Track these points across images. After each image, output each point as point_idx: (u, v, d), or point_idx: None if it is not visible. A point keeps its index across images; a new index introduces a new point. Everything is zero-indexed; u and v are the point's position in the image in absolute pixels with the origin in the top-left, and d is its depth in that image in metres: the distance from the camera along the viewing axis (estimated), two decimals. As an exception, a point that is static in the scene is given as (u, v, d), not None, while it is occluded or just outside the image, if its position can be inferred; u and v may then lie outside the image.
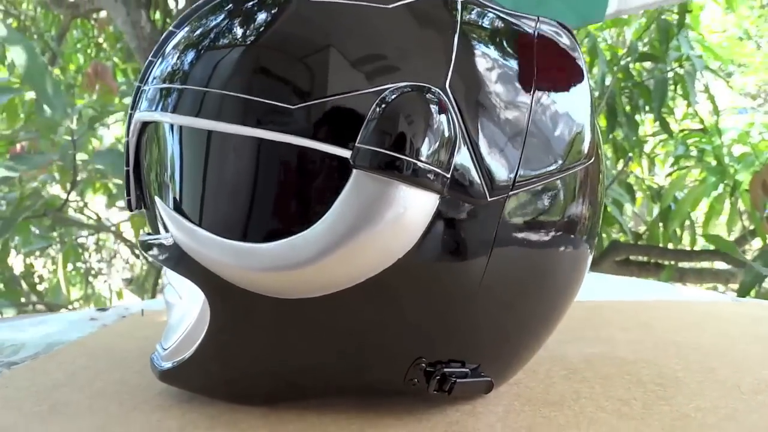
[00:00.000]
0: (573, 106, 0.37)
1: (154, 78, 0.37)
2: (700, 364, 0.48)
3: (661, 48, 2.18)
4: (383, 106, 0.31)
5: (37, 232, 2.20)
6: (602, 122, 2.31)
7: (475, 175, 0.33)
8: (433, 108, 0.32)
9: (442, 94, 0.32)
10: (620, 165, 2.40)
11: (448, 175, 0.32)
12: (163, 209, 0.36)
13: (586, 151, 0.38)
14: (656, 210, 2.48)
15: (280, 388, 0.39)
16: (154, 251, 0.38)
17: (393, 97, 0.32)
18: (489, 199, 0.34)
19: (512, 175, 0.34)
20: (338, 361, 0.36)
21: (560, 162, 0.36)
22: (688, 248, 2.32)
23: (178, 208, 0.35)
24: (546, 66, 0.36)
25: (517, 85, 0.35)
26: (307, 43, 0.34)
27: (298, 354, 0.36)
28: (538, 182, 0.35)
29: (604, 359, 0.49)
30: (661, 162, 2.75)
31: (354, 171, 0.31)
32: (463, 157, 0.33)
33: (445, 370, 0.36)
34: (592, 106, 0.39)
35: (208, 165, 0.34)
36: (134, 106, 0.38)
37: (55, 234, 2.32)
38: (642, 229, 2.56)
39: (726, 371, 0.46)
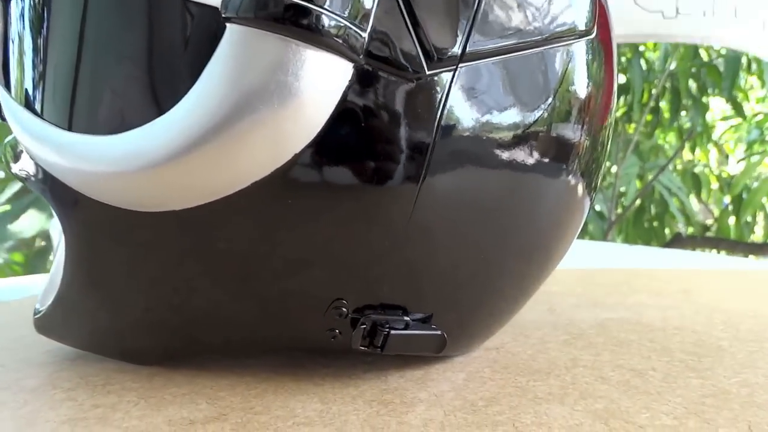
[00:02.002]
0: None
1: None
2: (756, 334, 0.36)
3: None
4: None
5: None
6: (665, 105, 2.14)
7: (405, 36, 0.23)
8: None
9: None
10: (685, 152, 2.22)
11: (365, 35, 0.22)
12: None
13: (583, 20, 0.27)
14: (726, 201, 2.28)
15: (173, 343, 0.30)
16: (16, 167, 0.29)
17: None
18: (427, 73, 0.24)
19: (462, 41, 0.24)
20: (235, 304, 0.27)
21: (540, 31, 0.26)
22: (761, 242, 2.12)
23: (7, 84, 0.27)
24: None
25: None
26: None
27: (178, 294, 0.27)
28: (500, 55, 0.25)
29: (624, 324, 0.38)
30: (731, 150, 2.54)
31: (227, 26, 0.22)
32: (389, 13, 0.23)
33: (375, 317, 0.26)
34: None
35: (27, 26, 0.26)
36: None
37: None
38: (709, 221, 2.36)
39: (790, 342, 0.34)
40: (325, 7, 0.21)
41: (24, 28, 0.27)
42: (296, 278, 0.26)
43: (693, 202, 2.29)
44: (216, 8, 0.22)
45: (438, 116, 0.24)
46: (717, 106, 2.38)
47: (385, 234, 0.25)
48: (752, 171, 2.15)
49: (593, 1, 0.29)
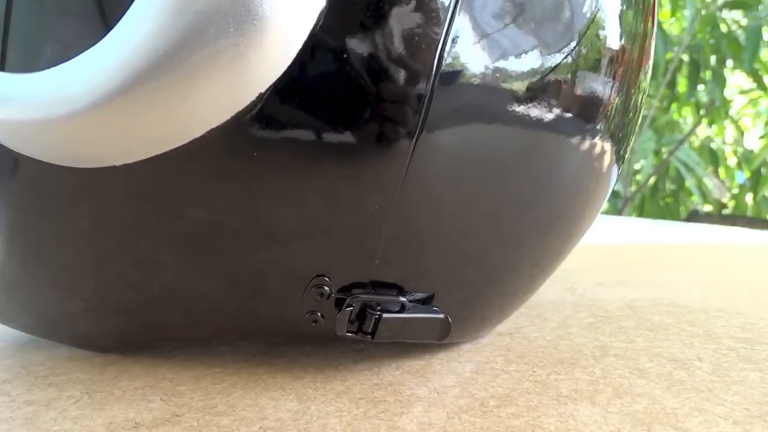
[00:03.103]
0: None
1: None
2: (811, 317, 0.31)
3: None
4: None
5: None
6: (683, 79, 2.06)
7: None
8: None
9: None
10: (702, 127, 2.15)
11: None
12: None
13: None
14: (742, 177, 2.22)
15: (131, 327, 0.25)
16: None
17: None
18: (422, -9, 0.19)
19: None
20: (199, 279, 0.22)
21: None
22: (780, 218, 2.06)
23: None
24: None
25: None
26: None
27: (134, 268, 0.23)
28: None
29: (656, 306, 0.33)
30: (746, 127, 2.46)
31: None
32: None
33: (364, 297, 0.22)
34: None
35: None
36: None
37: None
38: (725, 199, 2.29)
39: None
40: None
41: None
42: (267, 249, 0.21)
43: (707, 179, 2.23)
44: None
45: (438, 51, 0.19)
46: (735, 81, 2.30)
47: (375, 196, 0.20)
48: (773, 148, 2.09)
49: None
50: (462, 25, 0.19)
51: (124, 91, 0.18)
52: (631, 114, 0.25)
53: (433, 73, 0.19)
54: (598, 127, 0.23)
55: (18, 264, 0.24)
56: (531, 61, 0.21)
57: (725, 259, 0.46)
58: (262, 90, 0.18)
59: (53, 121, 0.19)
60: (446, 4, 0.19)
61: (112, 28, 0.18)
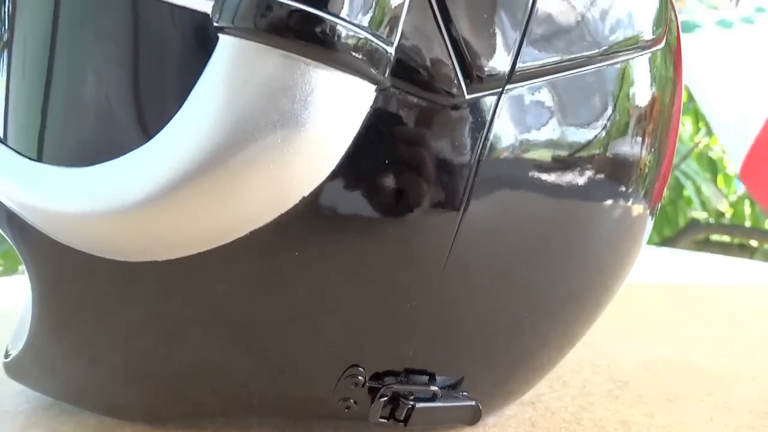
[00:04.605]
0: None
1: None
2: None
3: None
4: None
5: None
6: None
7: (442, 53, 0.19)
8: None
9: None
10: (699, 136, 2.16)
11: (392, 50, 0.18)
12: None
13: (651, 30, 0.23)
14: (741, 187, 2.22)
15: (161, 400, 0.26)
16: None
17: None
18: (467, 97, 0.19)
19: (509, 58, 0.20)
20: (229, 357, 0.23)
21: (599, 44, 0.21)
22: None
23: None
24: None
25: None
26: None
27: (164, 342, 0.23)
28: (556, 74, 0.20)
29: (673, 367, 0.33)
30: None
31: (220, 38, 0.17)
32: (421, 24, 0.19)
33: (397, 387, 0.22)
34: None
35: None
36: None
37: None
38: (723, 208, 2.30)
39: None
40: (342, 15, 0.17)
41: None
42: (302, 339, 0.22)
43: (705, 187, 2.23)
44: (207, 15, 0.17)
45: (478, 153, 0.20)
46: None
47: (412, 287, 0.21)
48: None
49: (662, 4, 0.24)
50: (501, 121, 0.20)
51: (171, 191, 0.18)
52: (670, 137, 0.26)
53: (473, 173, 0.20)
54: (630, 189, 0.23)
55: (47, 330, 0.24)
56: (565, 145, 0.21)
57: (734, 304, 0.46)
58: (305, 194, 0.19)
59: (100, 216, 0.19)
60: (487, 105, 0.19)
61: (156, 129, 0.18)
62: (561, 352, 0.27)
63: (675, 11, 0.25)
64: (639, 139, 0.23)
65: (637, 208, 0.24)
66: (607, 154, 0.22)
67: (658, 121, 0.24)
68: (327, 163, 0.18)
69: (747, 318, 0.43)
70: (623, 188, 0.23)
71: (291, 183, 0.18)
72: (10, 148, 0.21)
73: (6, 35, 0.21)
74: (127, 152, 0.19)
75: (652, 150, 0.24)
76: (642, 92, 0.23)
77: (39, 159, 0.20)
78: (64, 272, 0.22)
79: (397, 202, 0.19)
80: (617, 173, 0.23)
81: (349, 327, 0.21)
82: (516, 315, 0.23)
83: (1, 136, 0.22)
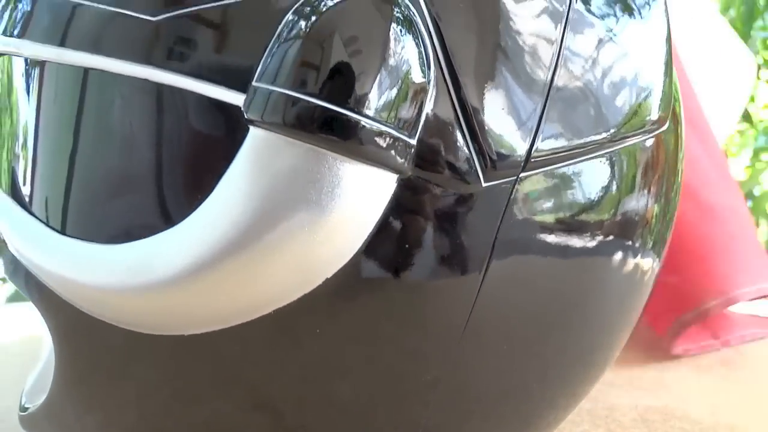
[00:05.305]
0: (634, 40, 0.23)
1: None
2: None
3: (744, 29, 1.94)
4: (307, 19, 0.18)
5: None
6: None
7: (460, 143, 0.20)
8: (395, 29, 0.18)
9: (411, 6, 0.19)
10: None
11: (414, 142, 0.19)
12: None
13: (655, 113, 0.24)
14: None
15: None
16: None
17: (325, 4, 0.18)
18: (483, 186, 0.20)
19: (525, 147, 0.21)
20: (243, 427, 0.23)
21: (609, 128, 0.22)
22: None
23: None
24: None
25: (540, 3, 0.21)
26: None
27: (178, 402, 0.23)
28: (569, 160, 0.21)
29: (669, 419, 0.34)
30: (733, 154, 2.50)
31: (250, 130, 0.18)
32: (441, 114, 0.20)
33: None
34: (669, 43, 0.25)
35: (14, 110, 0.22)
36: None
37: None
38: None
39: None
40: (366, 112, 0.18)
41: (17, 109, 0.23)
42: (318, 406, 0.22)
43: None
44: (238, 107, 0.18)
45: (494, 237, 0.20)
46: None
47: (430, 357, 0.22)
48: (757, 178, 2.12)
49: (667, 86, 0.25)
50: (516, 206, 0.21)
51: (197, 272, 0.19)
52: (673, 204, 0.27)
53: (489, 256, 0.21)
54: (638, 243, 0.24)
55: (65, 392, 0.25)
56: (580, 217, 0.22)
57: (734, 350, 0.47)
58: (329, 275, 0.19)
59: (129, 291, 0.20)
60: (502, 191, 0.20)
61: (186, 214, 0.19)
62: (567, 411, 0.28)
63: (677, 88, 0.27)
64: (654, 206, 0.24)
65: (644, 262, 0.25)
66: (622, 223, 0.23)
67: (667, 189, 0.25)
68: (350, 247, 0.19)
69: (740, 364, 0.44)
70: (635, 251, 0.24)
71: (315, 265, 0.19)
72: (34, 216, 0.22)
73: (36, 109, 0.22)
74: (157, 233, 0.20)
75: (666, 215, 0.25)
76: (652, 169, 0.24)
77: (66, 232, 0.21)
78: (83, 337, 0.23)
79: (415, 283, 0.20)
80: (628, 238, 0.24)
81: (368, 396, 0.22)
82: (527, 380, 0.24)
83: (28, 205, 0.22)
